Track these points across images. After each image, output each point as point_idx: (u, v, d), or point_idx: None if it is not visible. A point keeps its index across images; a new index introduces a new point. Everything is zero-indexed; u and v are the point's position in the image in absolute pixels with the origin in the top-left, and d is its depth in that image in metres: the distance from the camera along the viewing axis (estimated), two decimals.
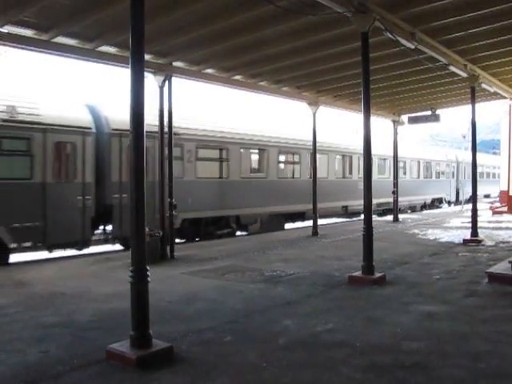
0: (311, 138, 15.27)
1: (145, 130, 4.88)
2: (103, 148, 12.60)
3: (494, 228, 15.94)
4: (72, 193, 11.74)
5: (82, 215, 11.88)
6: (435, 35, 10.05)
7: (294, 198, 17.51)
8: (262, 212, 16.66)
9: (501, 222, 18.17)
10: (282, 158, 18.05)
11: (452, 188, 30.38)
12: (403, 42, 9.35)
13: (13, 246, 10.80)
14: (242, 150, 16.13)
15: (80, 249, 12.26)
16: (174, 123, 11.42)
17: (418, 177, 26.26)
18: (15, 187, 10.83)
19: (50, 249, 11.69)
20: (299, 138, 18.18)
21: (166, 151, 11.31)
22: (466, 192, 26.42)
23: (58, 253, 11.98)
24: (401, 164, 23.10)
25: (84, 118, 12.26)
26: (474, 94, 12.90)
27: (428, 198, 27.42)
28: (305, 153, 18.17)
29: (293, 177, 18.46)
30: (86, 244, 12.30)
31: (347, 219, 21.30)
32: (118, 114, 12.71)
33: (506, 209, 21.57)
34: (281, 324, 5.87)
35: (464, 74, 12.37)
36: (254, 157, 17.06)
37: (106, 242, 12.91)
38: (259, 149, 16.92)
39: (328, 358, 4.74)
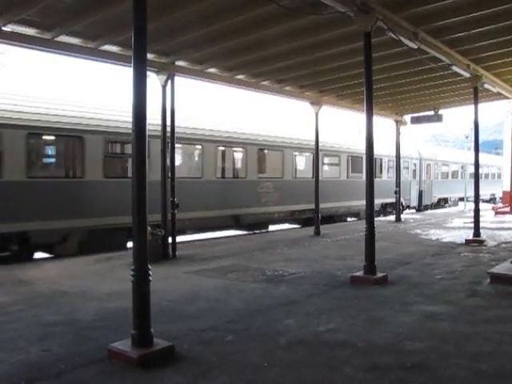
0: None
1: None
2: (420, 166, 27.28)
3: (496, 228, 15.93)
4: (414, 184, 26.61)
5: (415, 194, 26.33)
6: (438, 35, 10.03)
7: (451, 190, 30.99)
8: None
9: (503, 222, 18.16)
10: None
11: None
12: (406, 41, 9.33)
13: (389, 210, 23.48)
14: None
15: (417, 209, 27.26)
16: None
17: None
18: (387, 182, 21.98)
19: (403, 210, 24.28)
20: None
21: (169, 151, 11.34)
22: None
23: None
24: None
25: (417, 154, 27.20)
26: (476, 94, 12.87)
27: None
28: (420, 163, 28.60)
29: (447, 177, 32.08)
30: (421, 208, 27.34)
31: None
32: (425, 151, 29.00)
33: (508, 209, 21.53)
34: (283, 323, 5.87)
35: (467, 74, 12.34)
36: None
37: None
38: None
39: (330, 357, 4.73)
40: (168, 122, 11.21)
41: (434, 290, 7.58)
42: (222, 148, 15.66)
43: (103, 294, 7.48)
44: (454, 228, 16.60)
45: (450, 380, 4.20)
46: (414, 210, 27.10)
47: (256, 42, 10.23)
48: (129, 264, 5.20)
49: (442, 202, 30.48)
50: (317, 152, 15.50)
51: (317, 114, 15.34)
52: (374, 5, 8.09)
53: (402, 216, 20.54)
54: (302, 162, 19.14)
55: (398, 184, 19.90)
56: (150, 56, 10.04)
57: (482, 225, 13.25)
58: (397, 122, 19.95)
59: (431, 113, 17.82)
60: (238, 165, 16.49)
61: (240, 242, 14.11)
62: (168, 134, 11.25)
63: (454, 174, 32.06)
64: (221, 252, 11.67)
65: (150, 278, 4.81)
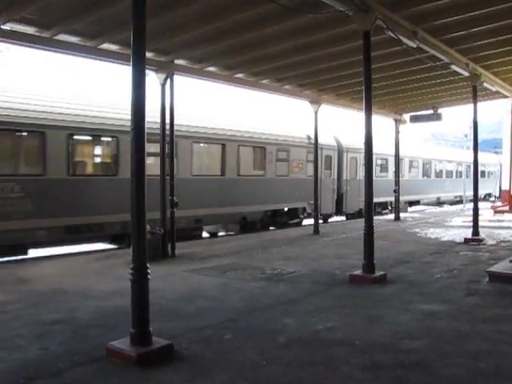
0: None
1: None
2: (501, 168, 28.90)
3: (495, 227, 15.94)
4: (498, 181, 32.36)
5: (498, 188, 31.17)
6: (437, 34, 10.02)
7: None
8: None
9: (502, 221, 18.15)
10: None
11: None
12: (405, 40, 9.33)
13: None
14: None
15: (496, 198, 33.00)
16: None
17: None
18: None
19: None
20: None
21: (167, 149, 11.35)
22: None
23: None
24: None
25: (497, 160, 35.93)
26: (475, 93, 12.87)
27: None
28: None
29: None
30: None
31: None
32: (502, 158, 28.35)
33: (507, 208, 21.54)
34: (281, 322, 5.88)
35: (466, 73, 12.34)
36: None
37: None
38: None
39: (328, 356, 4.74)
40: (168, 120, 11.20)
41: (433, 288, 7.60)
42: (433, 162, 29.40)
43: (102, 292, 7.48)
44: (453, 227, 16.62)
45: (449, 378, 4.21)
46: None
47: (255, 41, 10.23)
48: (128, 262, 5.20)
49: None
50: (316, 150, 15.48)
51: (316, 113, 15.30)
52: (373, 3, 8.08)
53: (401, 215, 20.54)
54: (450, 167, 31.38)
55: (397, 182, 19.89)
56: (149, 54, 10.04)
57: (480, 224, 13.27)
58: (396, 120, 19.95)
59: (430, 111, 17.83)
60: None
61: (239, 240, 14.11)
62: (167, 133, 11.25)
63: None
64: (220, 251, 11.67)
65: (149, 276, 4.82)
